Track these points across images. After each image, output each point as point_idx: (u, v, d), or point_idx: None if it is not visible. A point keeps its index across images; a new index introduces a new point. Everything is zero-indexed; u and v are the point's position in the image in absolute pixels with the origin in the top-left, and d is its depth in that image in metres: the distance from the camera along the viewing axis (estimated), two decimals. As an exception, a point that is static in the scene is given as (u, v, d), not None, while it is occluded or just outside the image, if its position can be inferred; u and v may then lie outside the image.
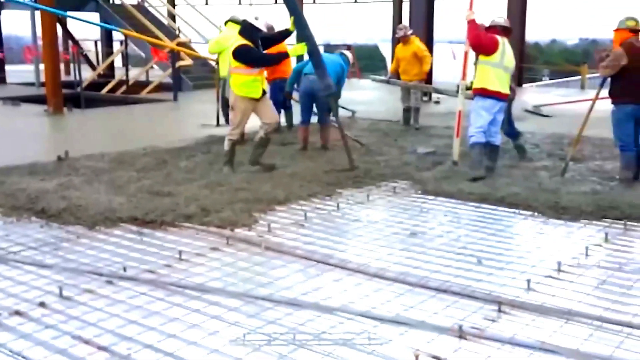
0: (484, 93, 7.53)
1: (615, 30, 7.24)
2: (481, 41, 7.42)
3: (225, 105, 9.66)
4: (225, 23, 10.21)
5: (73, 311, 4.00)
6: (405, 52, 11.63)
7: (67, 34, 22.65)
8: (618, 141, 7.28)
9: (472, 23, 7.44)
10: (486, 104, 7.52)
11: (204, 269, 4.76)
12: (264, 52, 7.89)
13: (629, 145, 7.14)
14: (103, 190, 6.77)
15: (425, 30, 16.20)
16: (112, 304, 4.11)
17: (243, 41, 7.47)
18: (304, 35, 7.92)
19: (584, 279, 4.51)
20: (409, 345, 3.50)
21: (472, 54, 8.00)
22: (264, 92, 7.76)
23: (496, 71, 7.47)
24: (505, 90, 7.57)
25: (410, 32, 11.79)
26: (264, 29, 7.47)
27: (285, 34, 8.17)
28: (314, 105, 9.25)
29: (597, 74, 7.78)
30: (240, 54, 7.48)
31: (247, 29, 7.55)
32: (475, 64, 7.85)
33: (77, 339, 3.61)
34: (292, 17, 7.83)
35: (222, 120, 11.08)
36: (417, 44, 11.63)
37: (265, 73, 7.79)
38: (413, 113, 11.72)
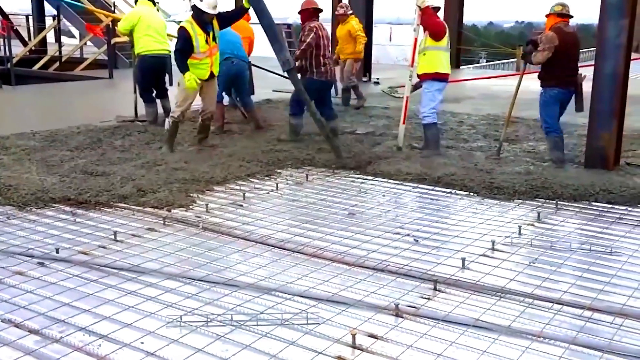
0: (437, 77, 7.71)
1: (546, 16, 7.42)
2: (440, 28, 7.54)
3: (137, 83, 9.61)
4: (136, 1, 9.85)
5: (3, 294, 3.89)
6: (342, 31, 11.79)
7: (-4, 7, 21.80)
8: (543, 123, 7.49)
9: (428, 9, 7.53)
10: (439, 86, 7.76)
11: (139, 249, 4.69)
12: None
13: (552, 126, 7.36)
14: (35, 170, 6.59)
15: (365, 11, 16.19)
16: (44, 286, 4.01)
17: (187, 23, 7.40)
18: (259, 9, 7.67)
19: (516, 258, 4.63)
20: (347, 324, 3.53)
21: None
22: (212, 75, 7.67)
23: (445, 54, 7.71)
24: (449, 70, 7.84)
25: (350, 11, 11.83)
26: (210, 10, 7.34)
27: (242, 11, 8.03)
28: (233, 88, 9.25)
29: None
30: (177, 35, 7.44)
31: (194, 11, 7.49)
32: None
33: (7, 322, 3.51)
34: None
35: (141, 111, 9.93)
36: (352, 23, 11.75)
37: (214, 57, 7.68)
38: (353, 92, 11.79)
